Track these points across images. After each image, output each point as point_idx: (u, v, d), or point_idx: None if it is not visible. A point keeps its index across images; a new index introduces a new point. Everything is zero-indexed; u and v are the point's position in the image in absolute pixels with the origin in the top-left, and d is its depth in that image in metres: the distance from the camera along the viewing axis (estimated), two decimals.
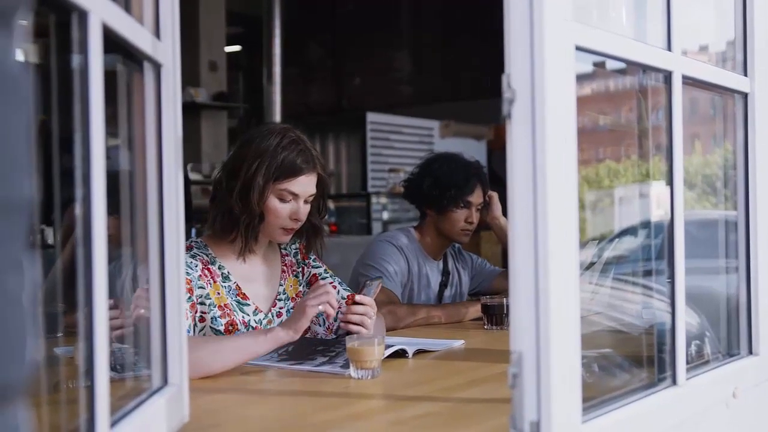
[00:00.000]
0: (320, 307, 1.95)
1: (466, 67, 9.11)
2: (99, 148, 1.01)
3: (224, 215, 2.18)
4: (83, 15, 0.99)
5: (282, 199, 2.17)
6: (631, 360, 1.69)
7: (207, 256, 2.20)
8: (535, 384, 1.16)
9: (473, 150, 7.74)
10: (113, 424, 1.08)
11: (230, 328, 2.14)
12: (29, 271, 0.56)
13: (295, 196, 2.18)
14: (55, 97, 1.04)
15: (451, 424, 1.51)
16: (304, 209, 2.21)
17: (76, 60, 1.00)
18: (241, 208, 2.15)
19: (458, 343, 2.34)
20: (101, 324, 1.00)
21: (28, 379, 0.56)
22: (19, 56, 0.56)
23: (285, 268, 2.36)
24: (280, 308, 2.29)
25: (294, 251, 2.40)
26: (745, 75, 1.80)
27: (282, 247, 2.38)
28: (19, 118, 0.53)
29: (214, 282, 2.17)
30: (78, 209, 1.00)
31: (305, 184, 2.19)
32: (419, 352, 2.16)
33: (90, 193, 0.99)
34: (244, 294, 2.22)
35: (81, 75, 1.00)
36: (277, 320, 2.26)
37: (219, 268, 2.20)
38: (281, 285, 2.32)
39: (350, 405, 1.69)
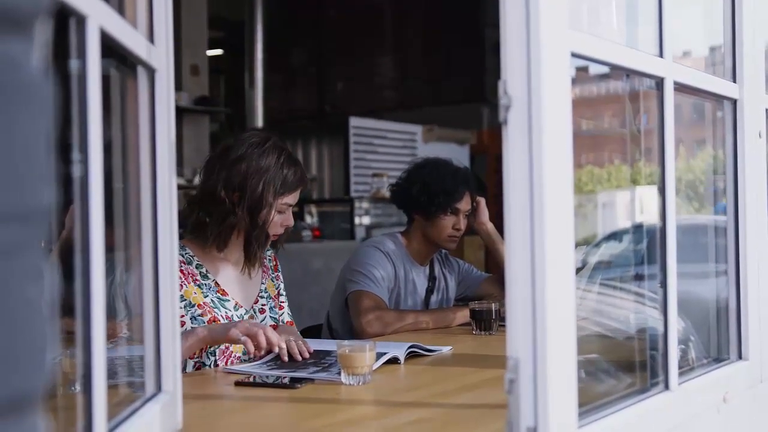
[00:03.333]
0: (243, 338, 1.98)
1: (449, 72, 9.14)
2: (96, 153, 1.00)
3: (228, 231, 2.24)
4: (81, 20, 0.98)
5: (280, 212, 2.28)
6: (623, 365, 1.69)
7: (183, 256, 2.23)
8: (532, 390, 1.16)
9: (456, 155, 7.73)
10: (109, 431, 1.07)
11: (213, 324, 2.18)
12: (47, 279, 0.55)
13: (290, 206, 2.31)
14: (53, 101, 1.03)
15: (445, 429, 1.51)
16: (291, 215, 2.34)
17: (73, 65, 1.00)
18: (250, 225, 2.23)
19: (447, 349, 2.34)
20: (99, 331, 0.99)
21: (47, 387, 0.56)
22: (38, 62, 0.56)
23: (265, 268, 2.44)
24: (263, 305, 2.38)
25: (269, 257, 2.49)
26: (734, 81, 1.82)
27: None
28: (40, 125, 0.53)
29: (189, 283, 2.21)
30: (76, 214, 0.99)
31: (298, 195, 2.33)
32: (412, 355, 2.17)
33: (88, 199, 0.98)
34: (224, 290, 2.27)
35: (79, 80, 0.99)
36: (260, 316, 2.35)
37: (197, 267, 2.25)
38: (263, 283, 2.41)
39: (343, 411, 1.69)
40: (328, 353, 2.14)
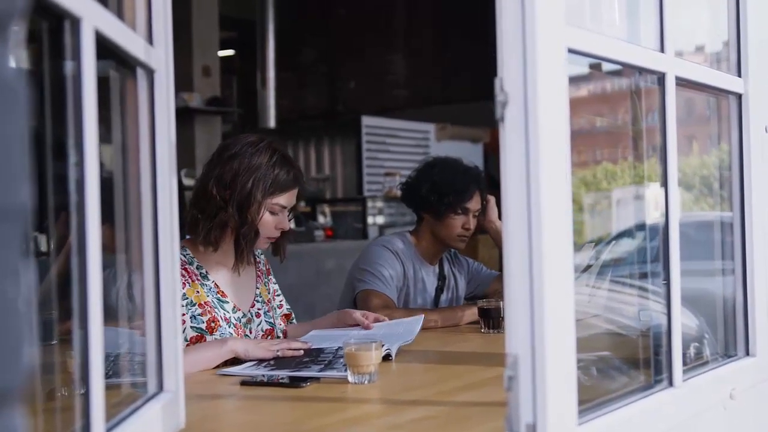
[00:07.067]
0: (281, 353, 2.11)
1: (460, 70, 9.12)
2: (93, 155, 1.00)
3: (218, 228, 2.25)
4: (76, 22, 0.98)
5: (272, 212, 2.29)
6: (628, 362, 1.68)
7: (185, 257, 2.27)
8: (531, 386, 1.16)
9: (469, 153, 7.74)
10: (108, 430, 1.07)
11: (212, 324, 2.22)
12: (25, 277, 0.56)
13: (283, 208, 2.30)
14: (48, 103, 1.04)
15: (447, 427, 1.51)
16: (287, 219, 2.34)
17: (68, 66, 1.00)
18: (238, 222, 2.24)
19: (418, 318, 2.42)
20: (96, 331, 1.00)
21: (25, 384, 0.57)
22: (15, 63, 0.56)
23: (259, 273, 2.47)
24: (258, 309, 2.40)
25: (262, 261, 2.52)
26: (739, 76, 1.81)
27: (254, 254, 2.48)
28: (16, 125, 0.53)
29: (193, 281, 2.25)
30: (72, 216, 1.00)
31: (292, 197, 2.33)
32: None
33: (84, 200, 0.99)
34: (223, 292, 2.30)
35: (74, 81, 1.00)
36: (256, 320, 2.38)
37: (197, 268, 2.28)
38: (257, 288, 2.43)
39: (347, 410, 1.69)
40: (321, 351, 2.15)
